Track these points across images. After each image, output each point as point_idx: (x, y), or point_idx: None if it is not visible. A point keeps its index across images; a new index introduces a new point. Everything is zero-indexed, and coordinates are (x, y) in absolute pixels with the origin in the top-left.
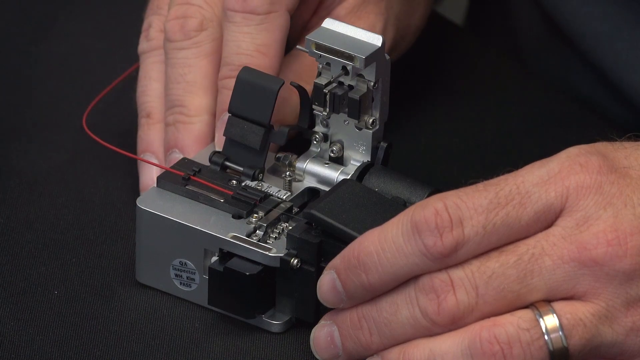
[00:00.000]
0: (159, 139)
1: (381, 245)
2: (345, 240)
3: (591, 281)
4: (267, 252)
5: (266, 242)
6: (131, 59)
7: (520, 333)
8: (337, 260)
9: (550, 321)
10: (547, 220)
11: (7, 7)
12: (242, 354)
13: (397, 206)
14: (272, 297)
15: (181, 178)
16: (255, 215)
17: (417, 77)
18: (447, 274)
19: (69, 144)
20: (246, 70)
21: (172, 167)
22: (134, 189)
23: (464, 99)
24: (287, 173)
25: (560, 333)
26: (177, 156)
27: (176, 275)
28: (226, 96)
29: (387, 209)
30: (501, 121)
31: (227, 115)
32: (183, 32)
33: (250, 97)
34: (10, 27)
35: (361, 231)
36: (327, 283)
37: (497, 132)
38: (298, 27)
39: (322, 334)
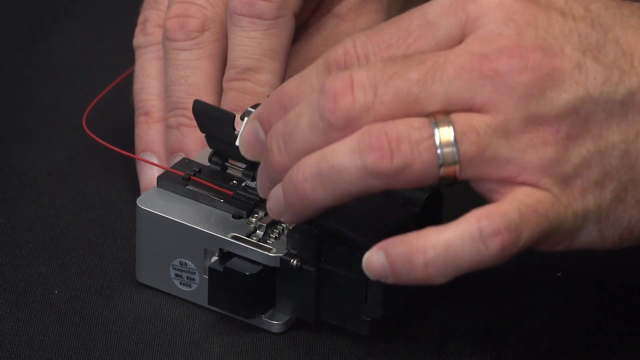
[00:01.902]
0: (159, 138)
1: (299, 87)
2: (345, 240)
3: (491, 92)
4: (267, 252)
5: (266, 242)
6: (131, 59)
7: (411, 131)
8: (258, 110)
9: (443, 124)
10: (450, 46)
11: (7, 7)
12: (242, 354)
13: (397, 206)
14: (272, 297)
15: (181, 178)
16: (255, 215)
17: None
18: (350, 76)
19: (69, 144)
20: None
21: (172, 167)
22: (134, 189)
23: None
24: None
25: (453, 137)
26: None
27: (176, 275)
28: (231, 97)
29: (386, 209)
30: None
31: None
32: (184, 32)
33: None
34: (10, 27)
35: (360, 231)
36: (249, 133)
37: None
38: (298, 25)
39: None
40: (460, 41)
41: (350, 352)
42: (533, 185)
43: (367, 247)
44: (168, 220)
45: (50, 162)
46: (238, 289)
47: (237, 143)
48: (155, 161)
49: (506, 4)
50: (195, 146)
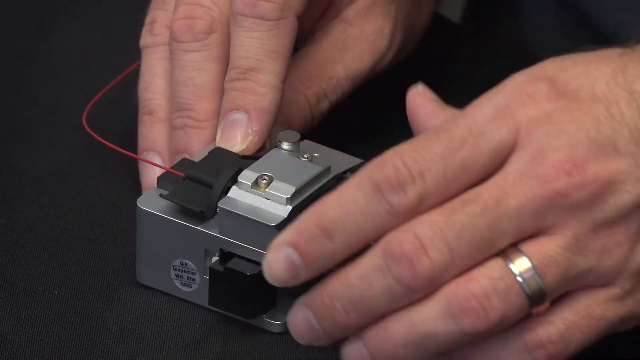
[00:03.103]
0: (162, 138)
1: (343, 210)
2: None
3: (557, 213)
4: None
5: None
6: (131, 59)
7: (495, 283)
8: (291, 234)
9: (521, 265)
10: (502, 157)
11: (7, 7)
12: (242, 354)
13: None
14: (273, 297)
15: (182, 178)
16: None
17: (417, 78)
18: (415, 236)
19: (69, 144)
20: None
21: (172, 167)
22: (135, 189)
23: (464, 99)
24: None
25: (533, 273)
26: None
27: (177, 275)
28: (233, 97)
29: None
30: None
31: (233, 114)
32: (192, 34)
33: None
34: (10, 27)
35: None
36: (283, 261)
37: None
38: (305, 29)
39: (298, 320)
40: (512, 149)
41: None
42: (611, 285)
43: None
44: (168, 220)
45: (50, 162)
46: (239, 289)
47: (262, 268)
48: (158, 161)
49: (554, 115)
50: (200, 148)
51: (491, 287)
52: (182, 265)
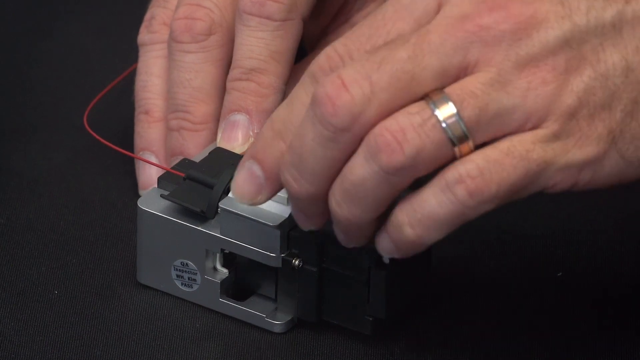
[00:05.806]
0: (159, 138)
1: (290, 108)
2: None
3: (480, 47)
4: (268, 252)
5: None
6: (131, 59)
7: (411, 118)
8: (251, 147)
9: (441, 102)
10: (429, 21)
11: (7, 7)
12: (243, 355)
13: None
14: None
15: (182, 179)
16: None
17: None
18: (338, 77)
19: (69, 144)
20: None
21: (172, 168)
22: (135, 189)
23: None
24: None
25: (450, 105)
26: None
27: (177, 276)
28: (235, 97)
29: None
30: None
31: (234, 115)
32: (191, 35)
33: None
34: (10, 27)
35: None
36: (246, 175)
37: None
38: (316, 33)
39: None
40: (437, 12)
41: (352, 353)
42: (540, 127)
43: (370, 249)
44: (169, 220)
45: (50, 162)
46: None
47: (231, 194)
48: (154, 161)
49: None
50: (196, 150)
51: (407, 121)
52: (183, 265)
